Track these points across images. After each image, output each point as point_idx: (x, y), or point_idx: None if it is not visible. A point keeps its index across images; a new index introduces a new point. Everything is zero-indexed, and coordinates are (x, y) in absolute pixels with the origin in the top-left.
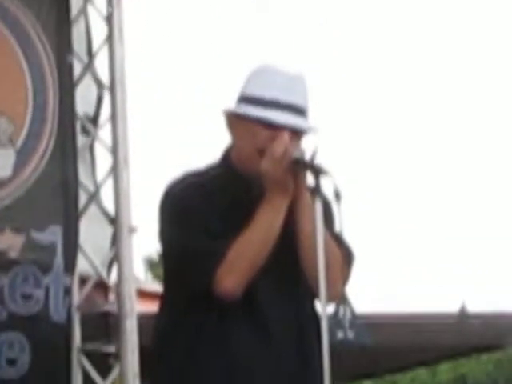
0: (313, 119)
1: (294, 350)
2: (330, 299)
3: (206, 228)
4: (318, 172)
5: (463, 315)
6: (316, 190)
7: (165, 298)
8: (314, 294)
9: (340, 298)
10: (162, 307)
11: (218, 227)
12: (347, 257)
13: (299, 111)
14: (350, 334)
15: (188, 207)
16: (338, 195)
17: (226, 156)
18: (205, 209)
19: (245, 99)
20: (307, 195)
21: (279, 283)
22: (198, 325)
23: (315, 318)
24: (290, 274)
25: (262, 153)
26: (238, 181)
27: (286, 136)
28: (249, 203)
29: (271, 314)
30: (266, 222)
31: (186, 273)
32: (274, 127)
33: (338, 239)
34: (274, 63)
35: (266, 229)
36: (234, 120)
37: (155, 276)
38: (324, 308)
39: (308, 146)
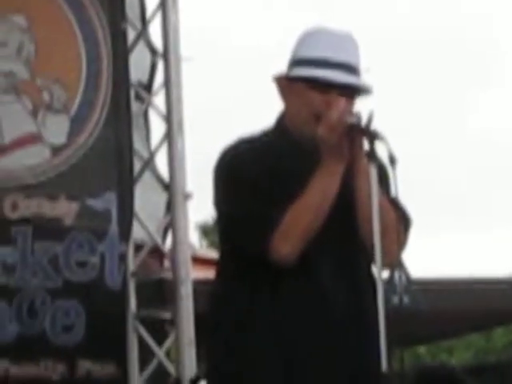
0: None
1: (350, 314)
2: (385, 264)
3: (261, 193)
4: (372, 137)
5: None
6: (371, 155)
7: (221, 264)
8: (370, 258)
9: (396, 263)
10: (218, 273)
11: (273, 192)
12: (404, 221)
13: (351, 69)
14: (405, 299)
15: (242, 173)
16: (392, 160)
17: (280, 121)
18: (259, 174)
19: (295, 62)
20: (364, 160)
21: (336, 247)
22: (253, 290)
23: (372, 282)
24: (347, 238)
25: (317, 118)
26: (293, 146)
27: (341, 102)
28: (303, 168)
29: (327, 279)
30: (322, 188)
31: (241, 239)
32: (327, 91)
33: (394, 204)
34: (323, 25)
35: (322, 194)
36: (287, 85)
37: (210, 243)
38: (379, 273)
39: (364, 111)
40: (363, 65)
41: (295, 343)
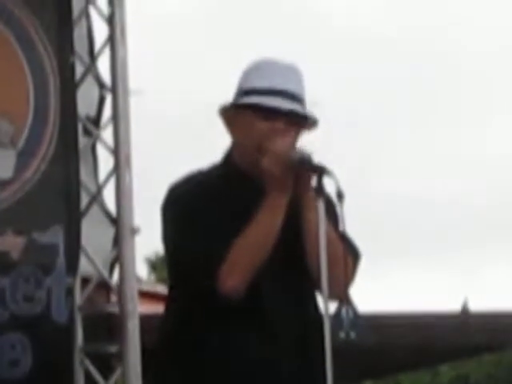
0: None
1: (296, 349)
2: (333, 296)
3: (209, 228)
4: (320, 172)
5: (465, 314)
6: (318, 190)
7: (170, 299)
8: (318, 292)
9: (343, 296)
10: (168, 308)
11: (221, 227)
12: (352, 255)
13: (295, 98)
14: (352, 334)
15: (190, 208)
16: (340, 195)
17: (228, 155)
18: (207, 209)
19: (241, 93)
20: (311, 194)
21: (283, 281)
22: (202, 325)
23: (318, 317)
24: (295, 271)
25: (262, 150)
26: (240, 179)
27: (287, 133)
28: (251, 201)
29: (274, 313)
30: (265, 221)
31: (189, 274)
32: (273, 118)
33: (343, 238)
34: (268, 57)
35: (266, 227)
36: (233, 116)
37: (158, 277)
38: (326, 308)
39: (307, 145)
40: (310, 97)
41: (245, 378)
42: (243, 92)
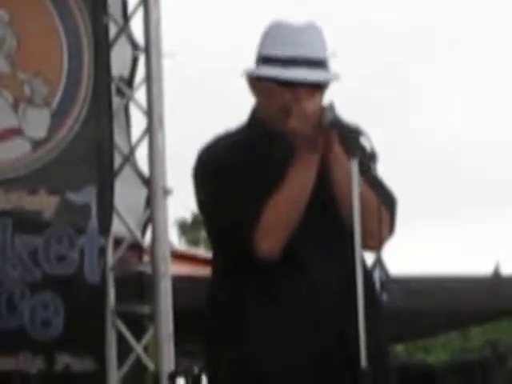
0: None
1: (343, 305)
2: (371, 247)
3: (242, 190)
4: (354, 133)
5: (497, 277)
6: (353, 152)
7: (213, 262)
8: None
9: (382, 246)
10: (212, 271)
11: (253, 187)
12: (386, 205)
13: (319, 63)
14: (384, 296)
15: (221, 171)
16: (373, 156)
17: (253, 115)
18: (238, 170)
19: (262, 59)
20: (337, 146)
21: (321, 240)
22: (242, 288)
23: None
24: (332, 230)
25: (286, 112)
26: (267, 138)
27: (313, 98)
28: (279, 159)
29: (315, 272)
30: (298, 181)
31: (224, 237)
32: (296, 88)
33: (375, 187)
34: (286, 19)
35: (298, 187)
36: (255, 81)
37: (188, 240)
38: (358, 268)
39: (324, 100)
40: (329, 49)
41: (288, 335)
42: (264, 59)
